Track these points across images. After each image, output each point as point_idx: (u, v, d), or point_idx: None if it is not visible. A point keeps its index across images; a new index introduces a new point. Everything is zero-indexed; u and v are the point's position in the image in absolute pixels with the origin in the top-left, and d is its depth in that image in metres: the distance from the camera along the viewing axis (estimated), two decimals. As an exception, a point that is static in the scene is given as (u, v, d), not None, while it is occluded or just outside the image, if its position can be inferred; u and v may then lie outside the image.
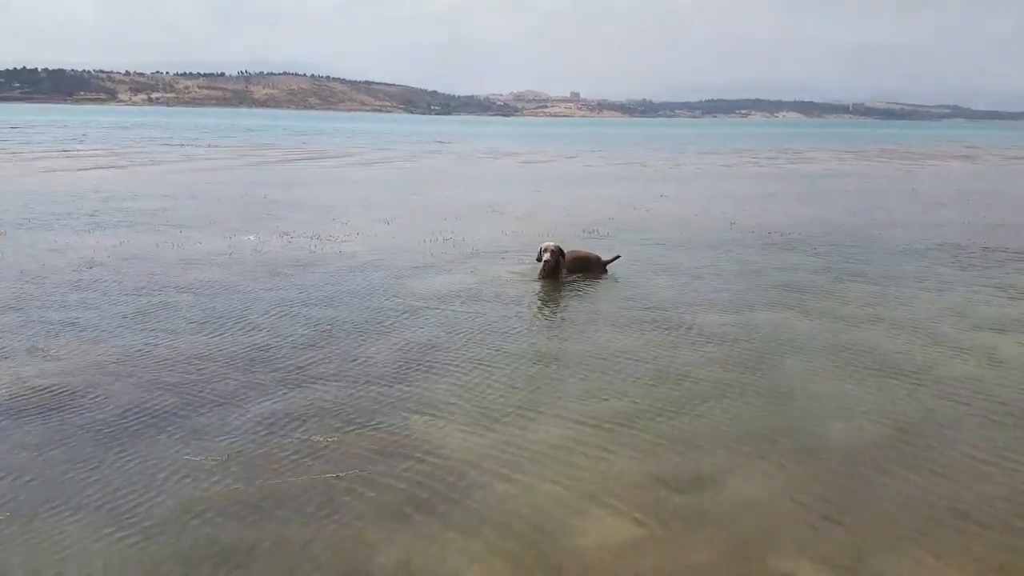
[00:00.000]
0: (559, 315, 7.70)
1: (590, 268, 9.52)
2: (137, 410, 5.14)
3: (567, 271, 9.23)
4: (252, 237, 11.71)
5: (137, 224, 12.84)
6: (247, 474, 4.28)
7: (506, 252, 10.87)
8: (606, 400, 5.42)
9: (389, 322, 7.26)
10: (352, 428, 4.87)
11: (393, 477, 4.29)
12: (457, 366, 6.07)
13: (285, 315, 7.45)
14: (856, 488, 4.25)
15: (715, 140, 65.29)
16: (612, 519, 3.93)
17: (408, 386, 5.62)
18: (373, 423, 4.96)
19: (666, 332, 7.06)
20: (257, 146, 40.33)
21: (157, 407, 5.20)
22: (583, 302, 8.27)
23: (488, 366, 6.08)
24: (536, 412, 5.18)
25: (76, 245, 10.82)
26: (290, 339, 6.69)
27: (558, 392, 5.56)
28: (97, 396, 5.38)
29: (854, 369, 6.14)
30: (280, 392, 5.46)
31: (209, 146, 39.26)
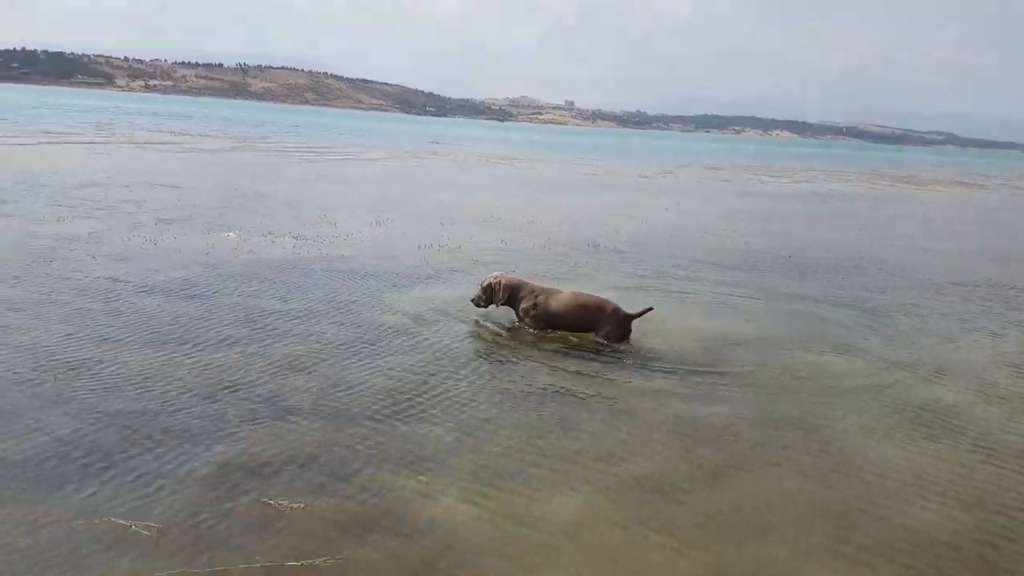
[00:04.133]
0: (571, 345, 6.76)
1: (597, 323, 6.75)
2: (66, 447, 4.22)
3: (541, 322, 6.87)
4: (233, 234, 10.76)
5: (110, 214, 11.88)
6: (191, 553, 3.36)
7: (510, 263, 9.96)
8: (628, 462, 4.50)
9: (381, 342, 6.36)
10: (325, 488, 3.95)
11: (371, 567, 3.36)
12: (455, 404, 5.18)
13: (261, 328, 6.53)
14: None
15: (713, 155, 64.65)
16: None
17: (397, 430, 4.71)
18: (352, 482, 4.04)
19: (692, 372, 6.16)
20: (250, 138, 39.26)
21: (92, 445, 4.27)
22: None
23: (490, 406, 5.18)
24: (546, 474, 4.27)
25: (40, 234, 9.85)
26: (264, 359, 5.77)
27: (571, 447, 4.65)
28: (21, 425, 4.44)
29: (912, 429, 5.28)
30: (244, 431, 4.54)
31: (202, 135, 38.16)
